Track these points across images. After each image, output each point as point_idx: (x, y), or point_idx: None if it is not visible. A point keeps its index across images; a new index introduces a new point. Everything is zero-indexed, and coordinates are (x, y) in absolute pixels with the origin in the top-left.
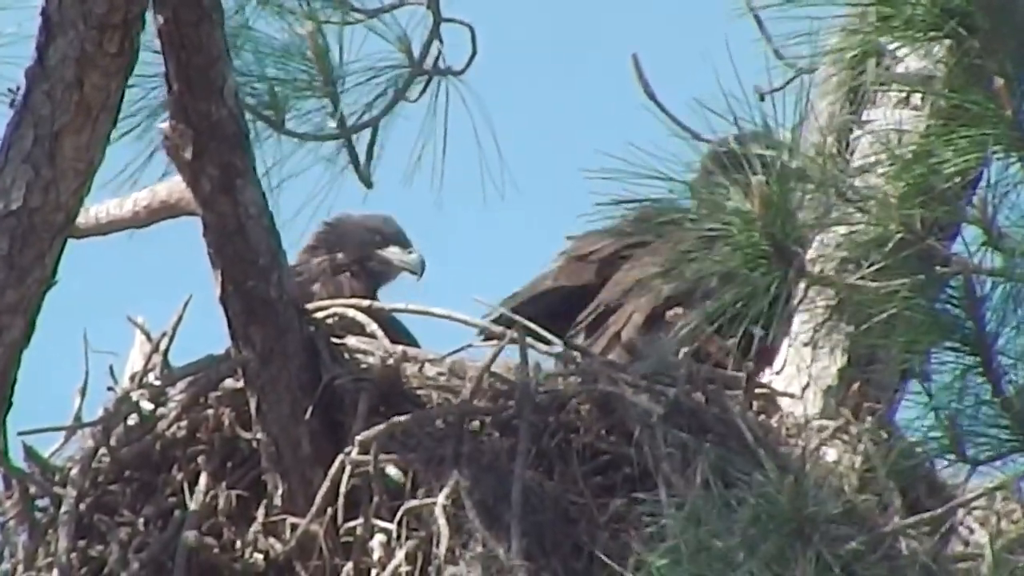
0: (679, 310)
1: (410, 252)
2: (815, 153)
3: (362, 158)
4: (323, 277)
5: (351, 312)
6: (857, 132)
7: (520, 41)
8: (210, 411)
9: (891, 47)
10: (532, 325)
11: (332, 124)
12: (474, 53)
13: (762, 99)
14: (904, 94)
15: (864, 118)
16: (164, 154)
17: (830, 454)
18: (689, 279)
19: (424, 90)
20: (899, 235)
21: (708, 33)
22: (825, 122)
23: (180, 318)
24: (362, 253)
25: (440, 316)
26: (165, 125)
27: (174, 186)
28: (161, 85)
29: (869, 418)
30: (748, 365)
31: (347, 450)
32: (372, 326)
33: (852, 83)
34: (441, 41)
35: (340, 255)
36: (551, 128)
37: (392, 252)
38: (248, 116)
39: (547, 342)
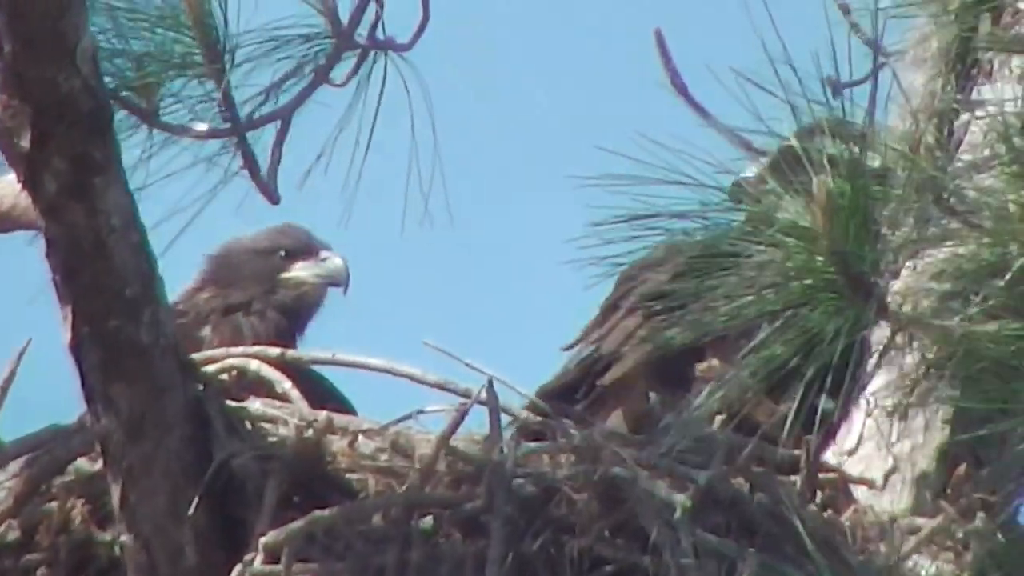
0: (714, 362)
1: (322, 259)
2: (905, 146)
3: (264, 161)
4: (214, 317)
5: (255, 364)
6: (965, 116)
7: (487, 4)
8: (55, 504)
9: None
10: (507, 380)
11: (217, 114)
12: (425, 21)
13: (836, 94)
14: None
15: (975, 97)
16: None
17: (925, 565)
18: (720, 325)
19: (355, 70)
20: (1022, 259)
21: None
22: (920, 103)
23: (13, 373)
24: (263, 284)
25: (378, 370)
26: None
27: (5, 187)
28: None
29: (980, 515)
30: (809, 440)
31: (248, 558)
32: (284, 384)
33: (959, 48)
34: (381, 4)
35: (234, 295)
36: (529, 121)
37: (300, 269)
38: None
39: (536, 409)
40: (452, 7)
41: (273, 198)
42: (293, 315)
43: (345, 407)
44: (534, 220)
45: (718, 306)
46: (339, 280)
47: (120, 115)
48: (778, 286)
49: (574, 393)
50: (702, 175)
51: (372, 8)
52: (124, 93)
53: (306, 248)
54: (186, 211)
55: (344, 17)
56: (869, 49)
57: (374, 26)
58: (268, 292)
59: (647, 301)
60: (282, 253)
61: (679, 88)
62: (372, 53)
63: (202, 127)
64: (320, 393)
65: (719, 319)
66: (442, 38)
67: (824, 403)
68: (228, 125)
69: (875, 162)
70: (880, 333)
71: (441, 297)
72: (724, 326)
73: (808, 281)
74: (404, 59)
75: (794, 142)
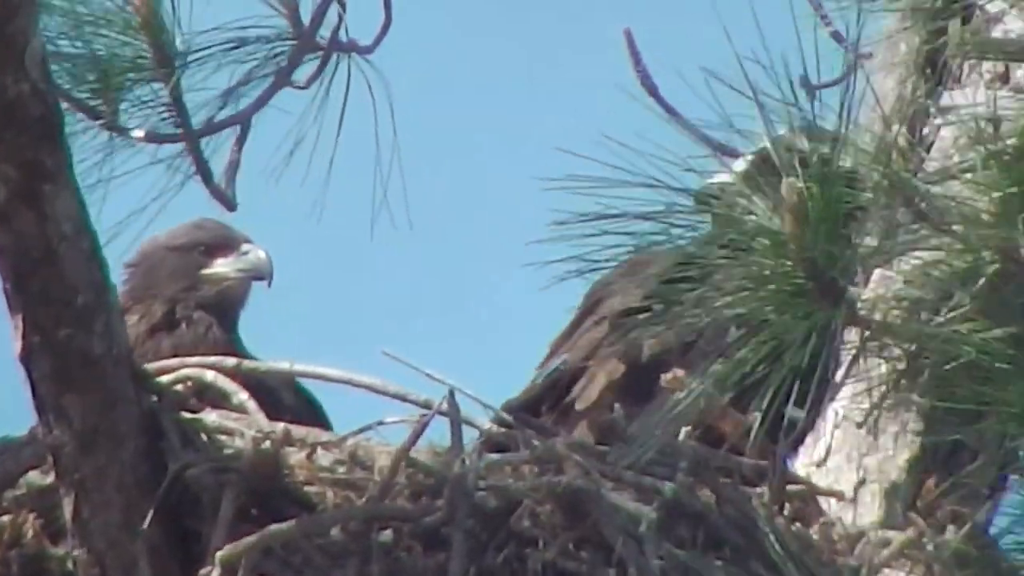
0: (678, 372)
1: (243, 253)
2: (876, 149)
3: (220, 167)
4: (151, 344)
5: (210, 375)
6: (936, 121)
7: (452, 6)
8: (6, 518)
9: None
10: (468, 391)
11: (168, 118)
12: (387, 23)
13: (812, 96)
14: (1001, 66)
15: (946, 102)
16: None
17: None
18: (685, 330)
19: (318, 74)
20: (996, 265)
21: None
22: (891, 108)
23: None
24: (182, 283)
25: (337, 380)
26: None
27: None
28: None
29: (951, 528)
30: (776, 451)
31: (204, 572)
32: (240, 395)
33: (929, 51)
34: (343, 5)
35: (156, 306)
36: (494, 124)
37: (221, 265)
38: (63, 106)
39: (498, 420)
40: (414, 9)
41: (229, 205)
42: (218, 312)
43: (320, 419)
44: (501, 224)
45: (686, 312)
46: (262, 273)
47: (76, 117)
48: (746, 291)
49: (540, 407)
50: (669, 178)
51: (334, 9)
52: (79, 95)
53: (226, 242)
54: (141, 217)
55: (305, 19)
56: (842, 50)
57: (336, 28)
58: (189, 290)
59: (616, 318)
60: (201, 249)
61: (649, 89)
62: (335, 55)
63: (154, 133)
64: (290, 404)
65: (688, 324)
66: (407, 40)
67: (792, 412)
68: (180, 130)
69: (846, 164)
70: (850, 341)
71: (402, 305)
72: (692, 331)
73: (776, 286)
74: (368, 61)
75: (768, 145)
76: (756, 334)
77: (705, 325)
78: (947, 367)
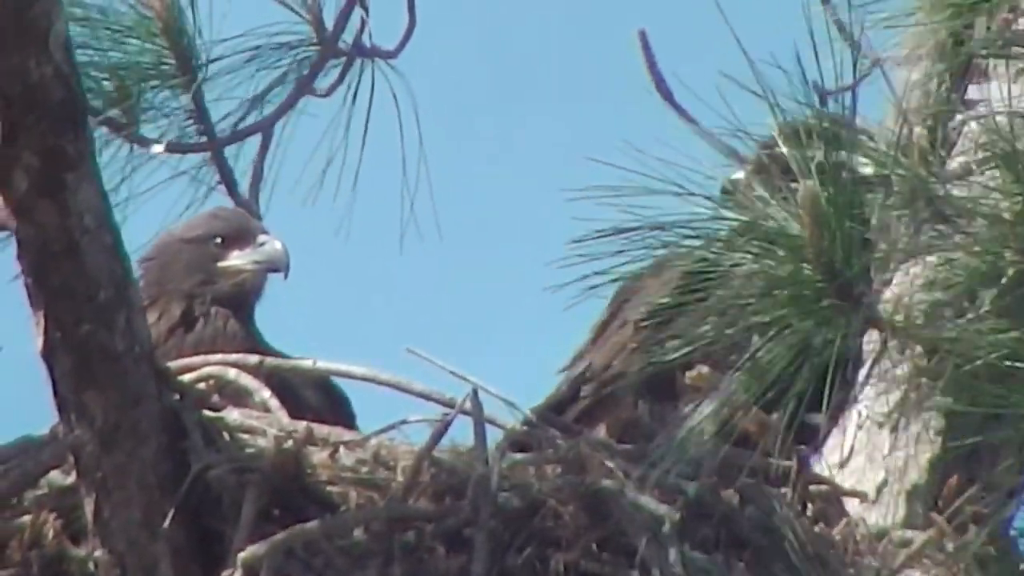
0: (703, 369)
1: (260, 245)
2: (895, 149)
3: (245, 176)
4: (173, 342)
5: (233, 373)
6: (959, 118)
7: (476, 9)
8: (26, 518)
9: None
10: (492, 389)
11: (191, 128)
12: (411, 27)
13: (824, 103)
14: None
15: (970, 97)
16: None
17: None
18: (710, 339)
19: (341, 79)
20: (1017, 266)
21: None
22: (912, 104)
23: None
24: (199, 279)
25: (361, 379)
26: None
27: None
28: None
29: (973, 528)
30: (801, 451)
31: (226, 574)
32: (263, 393)
33: (954, 47)
34: (366, 9)
35: (173, 304)
36: (519, 130)
37: (237, 257)
38: None
39: (525, 421)
40: (438, 12)
41: (254, 215)
42: (233, 305)
43: (345, 413)
44: (525, 229)
45: (708, 320)
46: (278, 265)
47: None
48: (766, 297)
49: (565, 411)
50: (691, 184)
51: (357, 14)
52: (98, 104)
53: (242, 232)
54: (164, 227)
55: (328, 22)
56: (858, 54)
57: (360, 33)
58: (205, 284)
59: (639, 319)
60: (217, 240)
61: (664, 94)
62: (359, 61)
63: (178, 142)
64: (315, 401)
65: (709, 333)
66: (432, 45)
67: (811, 417)
68: (204, 139)
69: (867, 168)
70: (873, 342)
71: (428, 309)
72: (714, 340)
73: (796, 291)
74: (391, 67)
75: (779, 141)
76: (777, 340)
77: (727, 334)
78: (967, 368)
